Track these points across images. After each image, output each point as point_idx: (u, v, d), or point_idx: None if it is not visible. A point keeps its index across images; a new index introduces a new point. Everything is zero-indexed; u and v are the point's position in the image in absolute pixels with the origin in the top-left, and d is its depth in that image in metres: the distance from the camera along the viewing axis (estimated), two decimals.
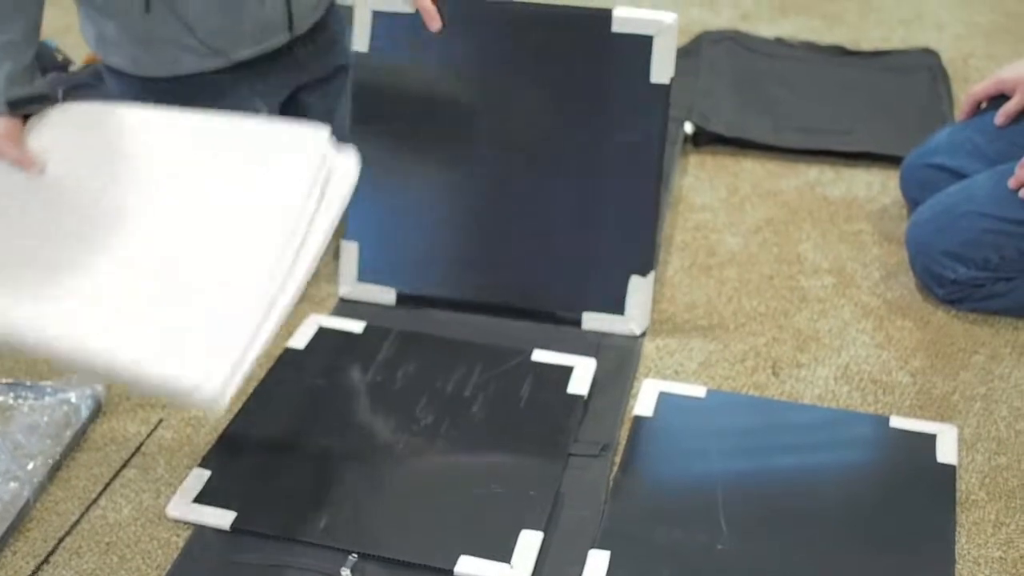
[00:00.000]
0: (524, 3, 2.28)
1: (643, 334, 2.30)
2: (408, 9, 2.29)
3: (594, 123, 2.26)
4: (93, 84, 2.77)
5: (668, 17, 2.23)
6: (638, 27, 2.23)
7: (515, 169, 2.33)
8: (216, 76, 2.42)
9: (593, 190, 2.28)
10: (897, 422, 2.05)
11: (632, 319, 2.29)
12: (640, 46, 2.24)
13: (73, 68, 2.92)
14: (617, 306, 2.29)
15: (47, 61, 2.94)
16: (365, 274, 2.41)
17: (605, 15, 2.24)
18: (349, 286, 2.42)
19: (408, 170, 2.38)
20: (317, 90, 2.60)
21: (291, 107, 2.59)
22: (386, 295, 2.39)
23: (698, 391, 2.13)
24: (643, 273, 2.28)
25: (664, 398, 2.12)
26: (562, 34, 2.26)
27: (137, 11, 2.30)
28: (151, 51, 2.36)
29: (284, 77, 2.53)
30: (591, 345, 2.25)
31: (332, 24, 2.58)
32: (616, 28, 2.24)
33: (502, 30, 2.28)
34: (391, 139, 2.37)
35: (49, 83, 2.71)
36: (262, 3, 2.36)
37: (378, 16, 2.32)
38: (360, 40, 2.33)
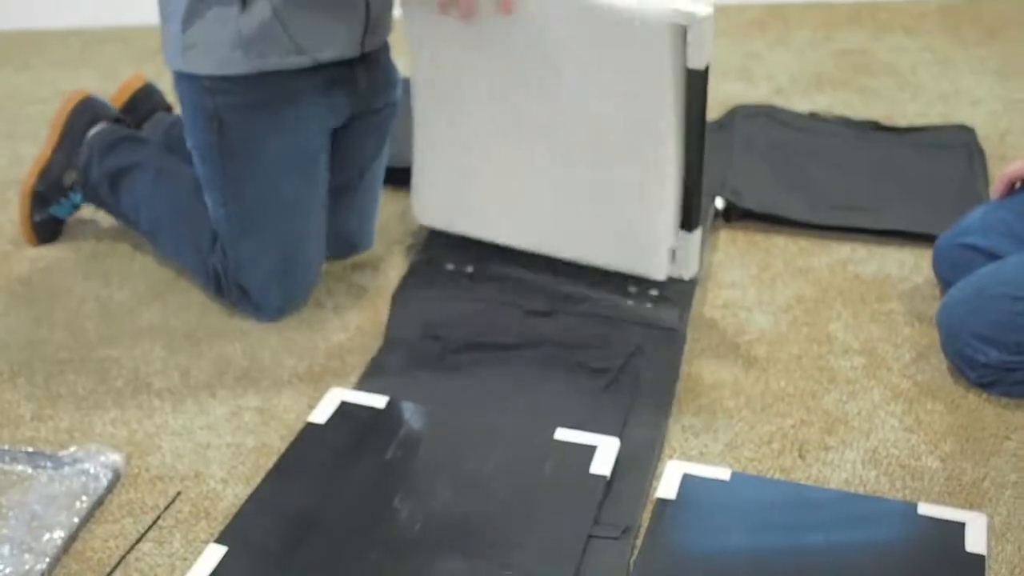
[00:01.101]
0: None
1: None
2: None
3: None
4: (142, 139, 2.84)
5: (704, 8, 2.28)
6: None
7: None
8: (293, 79, 2.46)
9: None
10: (925, 509, 2.02)
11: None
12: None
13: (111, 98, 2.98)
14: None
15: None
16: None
17: None
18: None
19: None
20: (368, 121, 2.65)
21: (343, 134, 2.62)
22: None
23: (723, 474, 2.10)
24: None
25: (688, 480, 2.09)
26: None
27: (233, 9, 2.37)
28: (240, 48, 2.40)
29: (345, 101, 2.56)
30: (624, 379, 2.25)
31: (387, 60, 2.65)
32: None
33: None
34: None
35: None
36: (352, 5, 2.43)
37: None
38: None
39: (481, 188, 2.60)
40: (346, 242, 2.74)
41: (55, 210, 2.83)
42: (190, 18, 2.39)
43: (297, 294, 2.61)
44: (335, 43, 2.46)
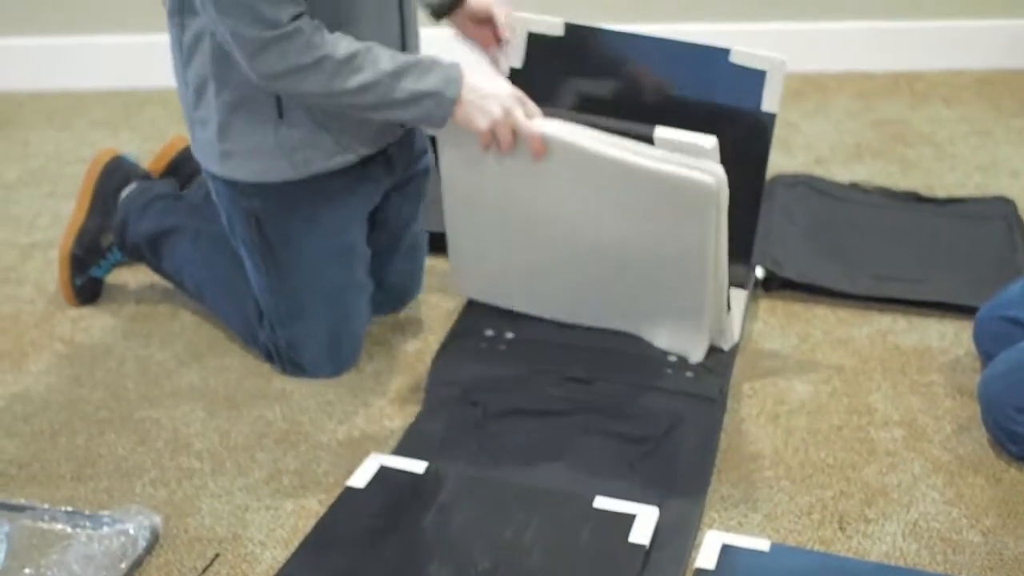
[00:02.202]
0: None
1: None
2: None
3: None
4: (177, 196, 2.88)
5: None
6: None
7: None
8: (331, 177, 2.48)
9: None
10: None
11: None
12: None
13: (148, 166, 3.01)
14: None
15: (130, 172, 2.99)
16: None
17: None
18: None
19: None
20: (403, 191, 2.68)
21: (381, 205, 2.65)
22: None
23: (762, 544, 2.09)
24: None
25: (727, 551, 2.08)
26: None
27: (270, 119, 2.39)
28: (281, 156, 2.42)
29: (381, 181, 2.59)
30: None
31: (417, 131, 2.67)
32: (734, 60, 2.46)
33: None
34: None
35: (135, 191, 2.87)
36: None
37: None
38: None
39: (518, 273, 2.62)
40: (396, 297, 2.77)
41: (95, 272, 2.85)
42: (226, 128, 2.41)
43: (348, 362, 2.63)
44: (377, 135, 2.50)
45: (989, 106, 3.94)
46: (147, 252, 2.79)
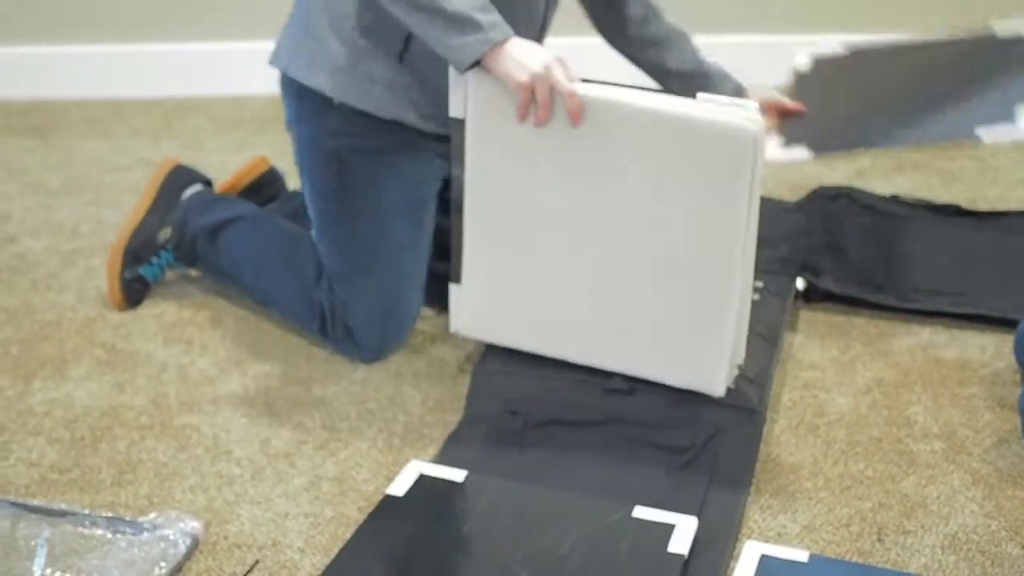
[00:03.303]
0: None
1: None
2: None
3: None
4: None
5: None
6: None
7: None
8: (420, 135, 2.54)
9: None
10: None
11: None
12: None
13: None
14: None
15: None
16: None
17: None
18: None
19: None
20: None
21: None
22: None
23: (800, 555, 2.09)
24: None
25: (765, 561, 2.08)
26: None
27: (392, 54, 2.46)
28: (387, 93, 2.49)
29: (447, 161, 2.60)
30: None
31: None
32: None
33: None
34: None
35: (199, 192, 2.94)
36: None
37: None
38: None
39: (532, 300, 2.54)
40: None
41: (145, 270, 2.87)
42: (349, 45, 2.47)
43: (397, 335, 2.67)
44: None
45: None
46: (204, 246, 2.82)
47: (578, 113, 2.28)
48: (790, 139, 2.74)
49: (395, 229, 2.59)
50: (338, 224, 2.59)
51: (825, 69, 2.98)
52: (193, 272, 2.96)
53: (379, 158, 2.55)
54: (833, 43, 2.90)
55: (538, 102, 2.28)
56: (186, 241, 2.84)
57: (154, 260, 2.87)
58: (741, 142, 2.21)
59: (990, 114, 2.59)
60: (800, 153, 2.70)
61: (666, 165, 2.29)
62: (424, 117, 2.52)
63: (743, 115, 2.22)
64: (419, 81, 2.49)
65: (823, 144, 2.74)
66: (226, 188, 3.03)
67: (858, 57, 2.97)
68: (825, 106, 2.83)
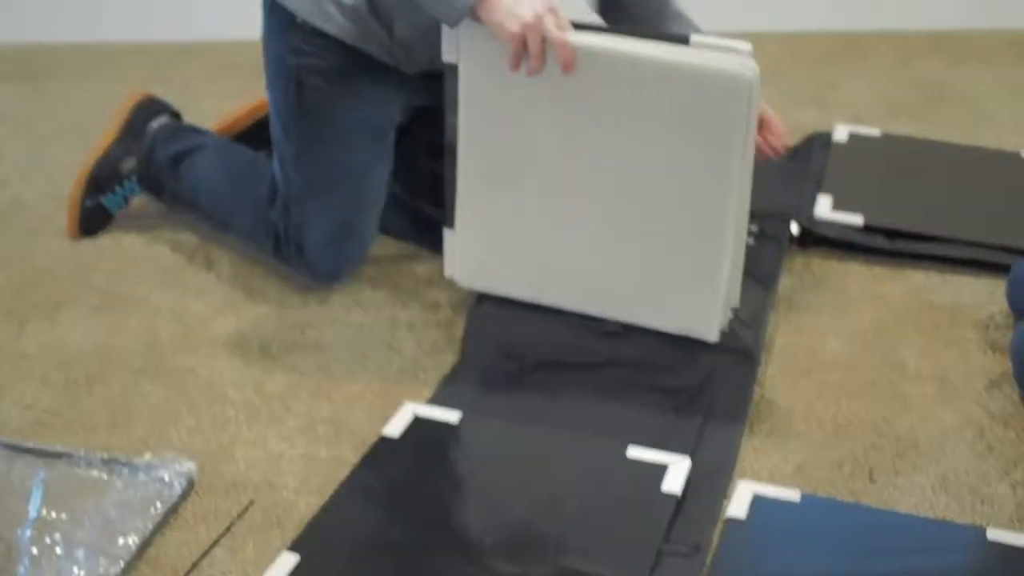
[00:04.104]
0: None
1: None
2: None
3: None
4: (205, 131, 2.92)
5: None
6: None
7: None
8: (384, 66, 2.55)
9: None
10: (995, 535, 2.01)
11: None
12: None
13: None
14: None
15: (164, 108, 3.03)
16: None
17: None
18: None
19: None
20: (432, 118, 2.67)
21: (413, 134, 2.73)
22: None
23: (793, 495, 2.10)
24: None
25: (758, 501, 2.09)
26: None
27: None
28: (350, 23, 2.49)
29: (424, 87, 2.61)
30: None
31: None
32: None
33: None
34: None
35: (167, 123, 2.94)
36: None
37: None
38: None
39: (526, 247, 2.54)
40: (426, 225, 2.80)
41: (107, 200, 2.90)
42: None
43: (350, 260, 2.70)
44: (418, 62, 2.54)
45: None
46: (167, 175, 2.84)
47: (571, 63, 2.26)
48: (841, 202, 2.96)
49: (353, 152, 2.60)
50: (297, 144, 2.60)
51: (861, 145, 3.30)
52: (160, 202, 2.99)
53: (339, 80, 2.55)
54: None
55: (530, 52, 2.27)
56: (151, 171, 2.86)
57: (117, 190, 2.88)
58: (737, 89, 2.21)
59: None
60: (854, 219, 2.90)
61: (661, 112, 2.28)
62: (387, 54, 2.52)
63: (738, 61, 2.21)
64: (386, 26, 2.48)
65: (877, 215, 2.93)
66: (223, 128, 3.03)
67: (891, 141, 3.32)
68: (870, 180, 3.12)
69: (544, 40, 2.25)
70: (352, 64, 2.53)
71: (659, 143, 2.32)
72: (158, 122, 2.91)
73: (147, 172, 2.86)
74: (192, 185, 2.82)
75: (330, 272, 2.68)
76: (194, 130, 2.93)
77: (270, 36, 2.59)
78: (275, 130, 2.64)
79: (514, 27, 2.24)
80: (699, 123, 2.27)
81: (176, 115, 3.00)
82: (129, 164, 2.87)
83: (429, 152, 2.69)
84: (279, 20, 2.55)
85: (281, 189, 2.65)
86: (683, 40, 2.27)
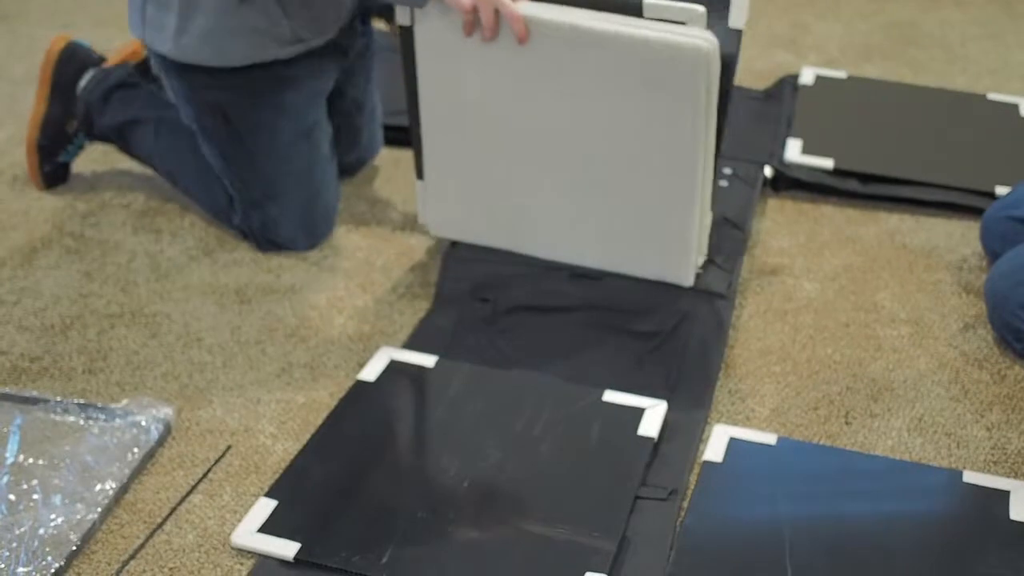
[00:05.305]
0: None
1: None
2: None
3: None
4: (134, 84, 2.86)
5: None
6: None
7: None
8: (288, 67, 2.53)
9: None
10: (970, 477, 2.03)
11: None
12: None
13: (106, 65, 2.94)
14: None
15: (85, 59, 2.94)
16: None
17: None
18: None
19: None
20: (352, 67, 2.73)
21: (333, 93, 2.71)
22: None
23: (769, 438, 2.11)
24: None
25: (734, 444, 2.10)
26: None
27: (232, 2, 2.41)
28: (238, 40, 2.45)
29: (333, 65, 2.63)
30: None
31: (357, 17, 2.70)
32: None
33: None
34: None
35: (92, 81, 2.85)
36: None
37: None
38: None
39: (496, 199, 2.54)
40: (357, 159, 2.88)
41: (62, 157, 2.89)
42: (188, 5, 2.44)
43: (324, 234, 2.71)
44: (326, 29, 2.54)
45: (1001, 9, 3.93)
46: (116, 140, 2.84)
47: (524, 35, 2.26)
48: (811, 146, 2.96)
49: (293, 157, 2.61)
50: (237, 164, 2.61)
51: (828, 88, 3.30)
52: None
53: (261, 101, 2.54)
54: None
55: (483, 23, 2.26)
56: (97, 134, 2.85)
57: (69, 147, 2.88)
58: (695, 61, 2.20)
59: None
60: (824, 163, 2.91)
61: (620, 83, 2.28)
62: (286, 44, 2.50)
63: (694, 31, 2.20)
64: (273, 11, 2.45)
65: (847, 159, 2.93)
66: (127, 55, 2.99)
67: (857, 84, 3.33)
68: (839, 123, 3.13)
69: (496, 12, 2.25)
70: (269, 83, 2.53)
71: (620, 111, 2.31)
72: (85, 81, 2.86)
73: (92, 133, 2.85)
74: (146, 158, 2.82)
75: (306, 248, 2.68)
76: (123, 89, 2.85)
77: (171, 71, 2.57)
78: (210, 153, 2.64)
79: (466, 1, 2.24)
80: (659, 94, 2.26)
81: (97, 62, 2.95)
82: (72, 125, 2.85)
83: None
84: (181, 72, 2.54)
85: (236, 199, 2.66)
86: (636, 9, 2.25)
